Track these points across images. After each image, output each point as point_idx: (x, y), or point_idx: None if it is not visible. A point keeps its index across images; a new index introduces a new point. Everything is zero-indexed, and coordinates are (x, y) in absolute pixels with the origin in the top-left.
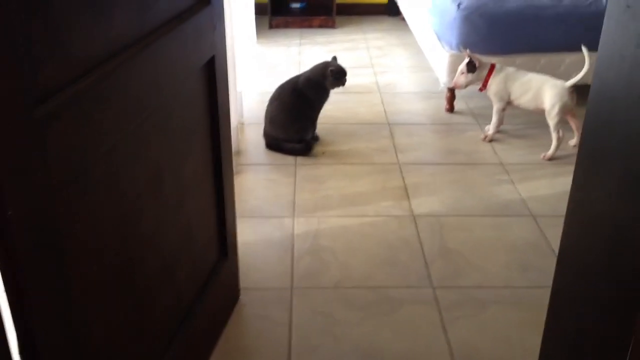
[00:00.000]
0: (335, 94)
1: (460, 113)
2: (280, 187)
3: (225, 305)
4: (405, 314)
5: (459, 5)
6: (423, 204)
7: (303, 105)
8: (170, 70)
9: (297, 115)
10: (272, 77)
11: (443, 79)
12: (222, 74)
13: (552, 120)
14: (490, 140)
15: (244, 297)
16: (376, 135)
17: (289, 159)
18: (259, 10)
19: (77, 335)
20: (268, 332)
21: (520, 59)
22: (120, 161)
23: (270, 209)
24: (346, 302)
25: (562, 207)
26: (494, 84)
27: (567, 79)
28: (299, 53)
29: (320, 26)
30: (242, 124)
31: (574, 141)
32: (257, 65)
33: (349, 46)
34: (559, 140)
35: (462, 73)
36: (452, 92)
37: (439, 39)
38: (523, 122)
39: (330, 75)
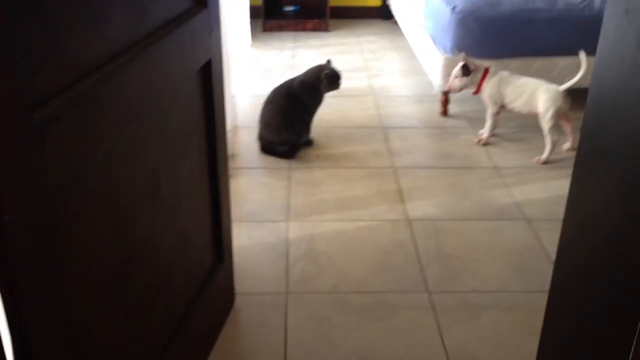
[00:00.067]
0: (329, 97)
1: (454, 116)
2: (275, 191)
3: (221, 310)
4: (401, 319)
5: (453, 9)
6: (418, 208)
7: (297, 109)
8: (168, 74)
9: (291, 118)
10: (266, 80)
11: (437, 83)
12: (218, 78)
13: (546, 124)
14: (485, 144)
15: (239, 301)
16: (370, 138)
17: (283, 162)
18: (253, 13)
19: (73, 339)
20: (264, 337)
21: (514, 62)
22: (118, 164)
23: (265, 213)
24: (342, 306)
25: (557, 211)
26: (488, 87)
27: (560, 82)
28: (292, 56)
29: (314, 29)
30: (236, 127)
31: (567, 145)
32: (251, 68)
33: (343, 49)
34: (553, 144)
35: (457, 77)
36: (446, 95)
37: (433, 42)
38: (517, 125)
39: (324, 79)
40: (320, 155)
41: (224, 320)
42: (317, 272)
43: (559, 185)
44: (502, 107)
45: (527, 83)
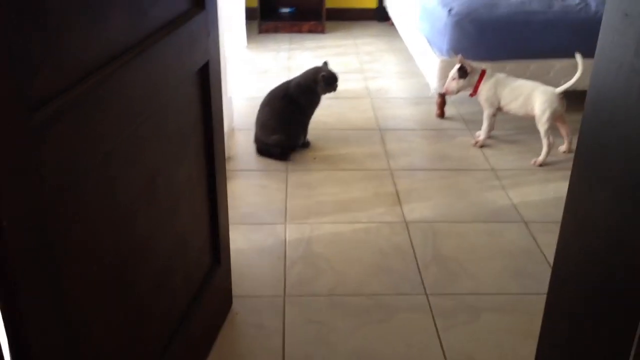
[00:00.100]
0: (325, 99)
1: (450, 119)
2: (272, 193)
3: (219, 312)
4: (399, 322)
5: (449, 11)
6: (415, 210)
7: (294, 111)
8: (166, 76)
9: (288, 120)
10: (262, 82)
11: (434, 85)
12: (216, 80)
13: (542, 126)
14: (481, 146)
15: (236, 304)
16: (367, 140)
17: (280, 164)
18: (249, 15)
19: (70, 341)
20: (261, 340)
21: (510, 64)
22: (116, 165)
23: (262, 216)
24: (339, 309)
25: (553, 213)
26: (484, 89)
27: (556, 85)
28: (288, 58)
29: (310, 31)
30: (233, 129)
31: (563, 147)
32: (247, 70)
33: (339, 51)
34: (550, 146)
35: (454, 79)
36: (442, 97)
37: (430, 44)
38: (513, 127)
39: (321, 81)
40: (317, 157)
41: (221, 323)
42: (315, 274)
43: (556, 187)
44: (498, 109)
45: (524, 85)
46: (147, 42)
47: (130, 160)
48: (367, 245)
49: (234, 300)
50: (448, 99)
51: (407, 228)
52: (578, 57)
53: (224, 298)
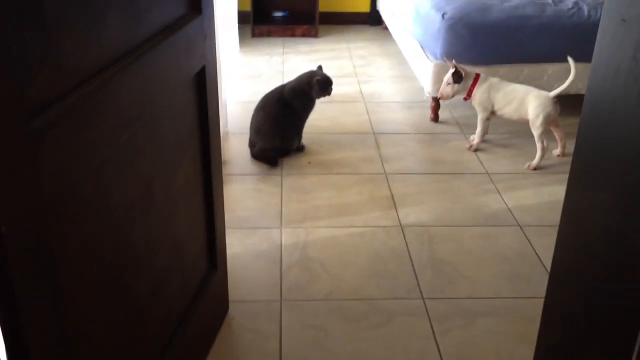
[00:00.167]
0: (320, 103)
1: (445, 122)
2: (267, 197)
3: (216, 317)
4: (396, 326)
5: (443, 16)
6: (410, 214)
7: (289, 115)
8: (163, 81)
9: (282, 125)
10: (256, 86)
11: (428, 89)
12: (212, 84)
13: (536, 130)
14: (475, 150)
15: (232, 309)
16: (362, 144)
17: (275, 169)
18: (242, 18)
19: (68, 345)
20: (258, 345)
21: (503, 68)
22: (113, 171)
23: (258, 220)
24: (336, 313)
25: (548, 217)
26: (478, 93)
27: (550, 89)
28: (282, 62)
29: (303, 35)
30: (227, 133)
31: (557, 151)
32: (240, 74)
33: (332, 55)
34: (544, 150)
35: (448, 84)
36: (436, 101)
37: (423, 48)
38: (507, 131)
39: (316, 85)
40: (312, 161)
41: (218, 328)
42: (311, 279)
43: (550, 191)
44: (492, 114)
45: (517, 89)
46: (145, 47)
47: (128, 165)
48: (363, 249)
49: (231, 304)
50: (442, 102)
51: (403, 232)
52: (570, 61)
53: (221, 303)
